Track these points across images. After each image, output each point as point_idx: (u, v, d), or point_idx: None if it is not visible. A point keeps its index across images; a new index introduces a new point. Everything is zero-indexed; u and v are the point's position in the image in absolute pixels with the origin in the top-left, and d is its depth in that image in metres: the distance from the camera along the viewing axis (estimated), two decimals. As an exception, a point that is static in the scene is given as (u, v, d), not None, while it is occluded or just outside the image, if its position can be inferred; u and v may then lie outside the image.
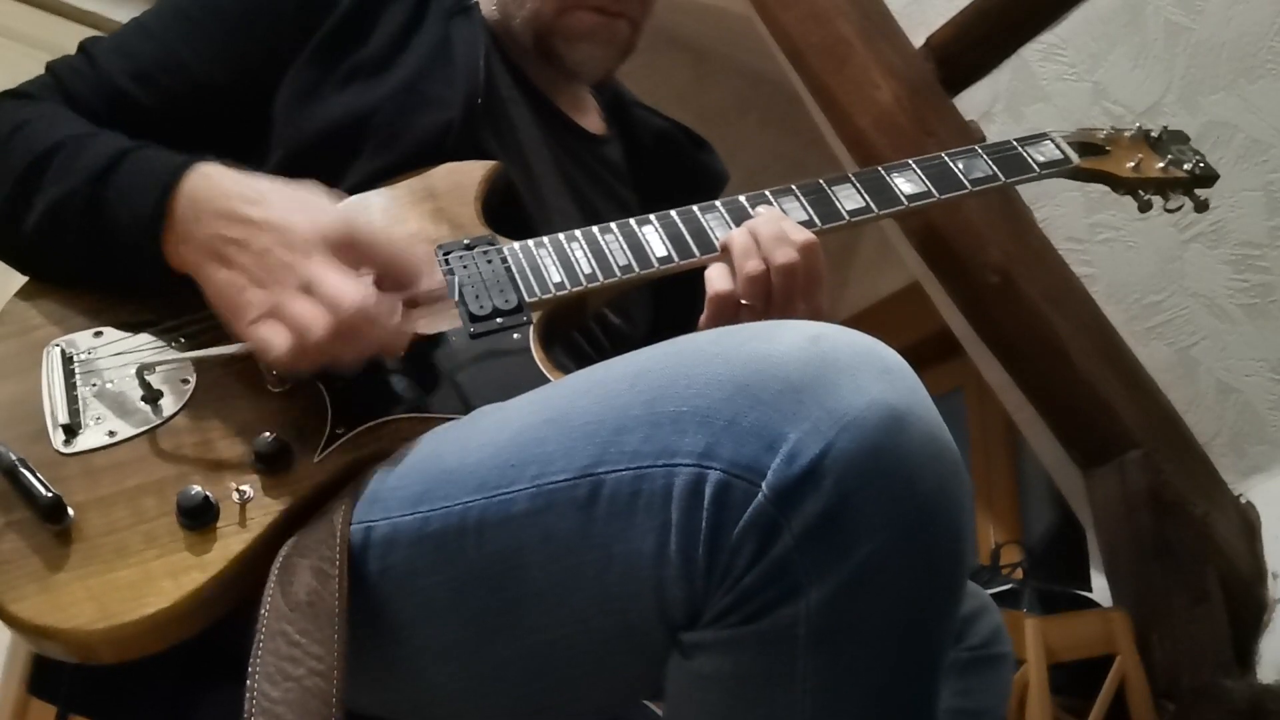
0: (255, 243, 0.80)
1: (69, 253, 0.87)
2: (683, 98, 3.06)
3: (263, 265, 0.79)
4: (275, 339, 0.77)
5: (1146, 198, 1.24)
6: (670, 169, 1.25)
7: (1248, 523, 2.02)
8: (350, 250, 0.80)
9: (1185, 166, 1.24)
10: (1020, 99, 2.04)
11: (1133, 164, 1.21)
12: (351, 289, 0.77)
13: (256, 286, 0.79)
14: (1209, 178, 1.25)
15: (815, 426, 0.59)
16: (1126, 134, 1.25)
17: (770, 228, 0.95)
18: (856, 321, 3.18)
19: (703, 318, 0.96)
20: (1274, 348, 1.92)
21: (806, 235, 0.96)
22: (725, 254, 0.96)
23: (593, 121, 1.23)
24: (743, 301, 0.94)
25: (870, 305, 3.29)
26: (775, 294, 0.94)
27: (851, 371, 0.61)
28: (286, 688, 0.66)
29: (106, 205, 0.85)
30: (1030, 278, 2.03)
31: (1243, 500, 2.05)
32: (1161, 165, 1.23)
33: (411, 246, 0.86)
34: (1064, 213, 2.05)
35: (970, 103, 2.10)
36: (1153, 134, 1.26)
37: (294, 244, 0.79)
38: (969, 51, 2.06)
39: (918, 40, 2.12)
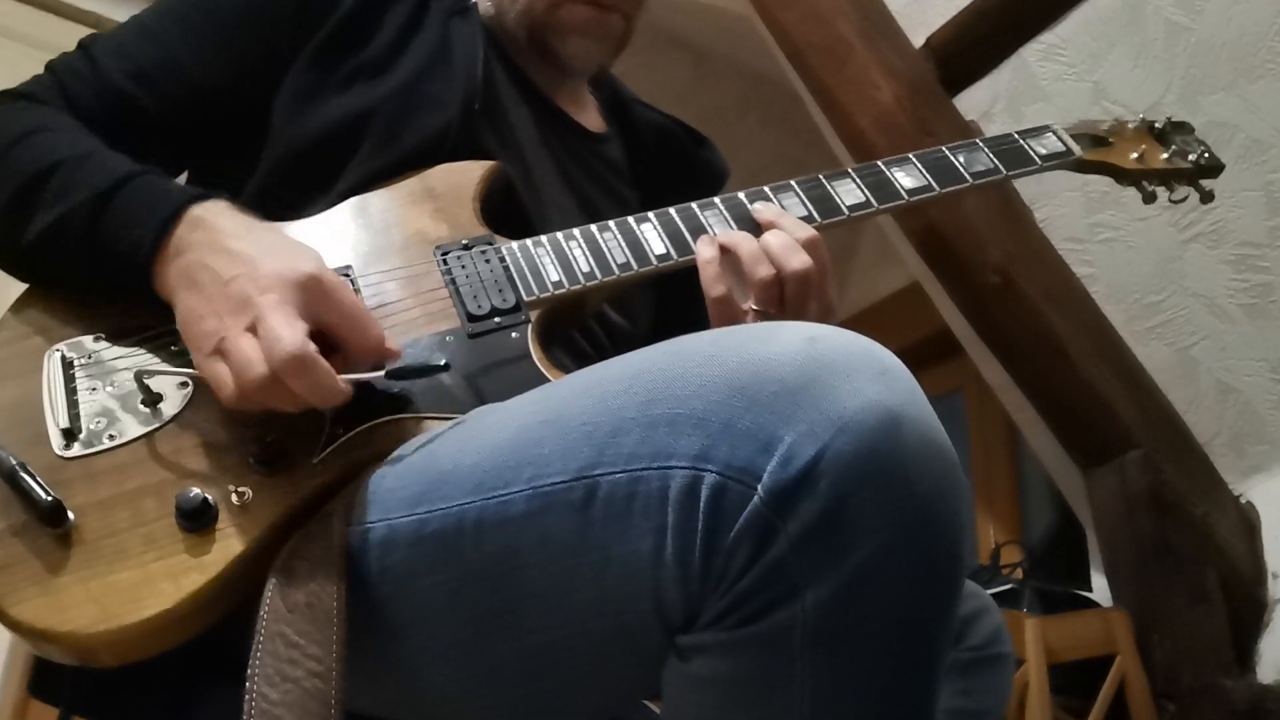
0: (226, 271, 0.79)
1: (65, 266, 0.88)
2: (683, 98, 3.06)
3: (225, 294, 0.78)
4: (222, 378, 0.77)
5: (1151, 189, 1.22)
6: (670, 166, 1.25)
7: (1248, 523, 2.02)
8: (314, 295, 0.79)
9: (1190, 157, 1.22)
10: (1020, 99, 2.04)
11: (1136, 155, 1.20)
12: (290, 333, 0.75)
13: (213, 316, 0.78)
14: (1214, 168, 1.23)
15: (811, 429, 0.59)
16: (1130, 125, 1.24)
17: (778, 237, 0.94)
18: (856, 321, 3.18)
19: (711, 324, 0.95)
20: (1274, 348, 1.92)
21: (810, 232, 0.96)
22: (726, 255, 0.95)
23: (592, 119, 1.23)
24: (754, 308, 0.93)
25: (870, 305, 3.28)
26: (789, 299, 0.94)
27: (848, 373, 0.61)
28: (285, 689, 0.66)
29: (105, 229, 0.85)
30: (1030, 278, 2.03)
31: (1243, 500, 2.04)
32: (1166, 156, 1.22)
33: (378, 320, 0.84)
34: (1064, 213, 2.05)
35: (970, 103, 2.10)
36: (1156, 125, 1.25)
37: (258, 279, 0.78)
38: (969, 51, 2.06)
39: (918, 40, 2.12)
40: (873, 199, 1.04)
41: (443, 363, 0.83)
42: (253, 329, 0.76)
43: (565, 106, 1.19)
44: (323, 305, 0.79)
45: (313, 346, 0.76)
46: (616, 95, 1.28)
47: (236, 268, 0.79)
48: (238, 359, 0.76)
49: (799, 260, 0.93)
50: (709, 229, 0.99)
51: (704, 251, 0.95)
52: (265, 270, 0.79)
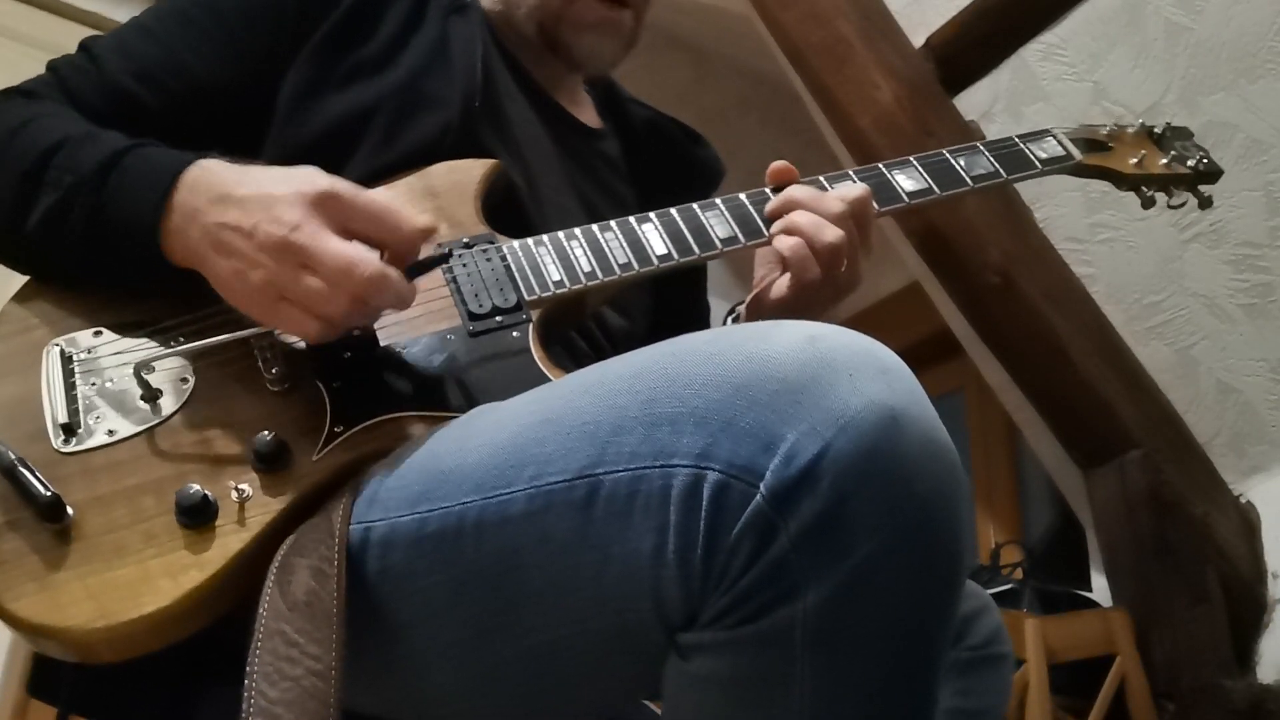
0: (245, 222, 0.80)
1: (71, 252, 0.87)
2: (683, 98, 3.06)
3: (257, 244, 0.79)
4: (298, 321, 0.79)
5: (1149, 194, 1.22)
6: (666, 163, 1.25)
7: (1248, 523, 2.02)
8: (334, 209, 0.80)
9: (1189, 163, 1.22)
10: (1020, 99, 2.04)
11: (1136, 160, 1.20)
12: (355, 253, 0.78)
13: (257, 269, 0.79)
14: (1213, 173, 1.23)
15: (813, 427, 0.58)
16: (1129, 130, 1.24)
17: (826, 204, 0.98)
18: (856, 321, 3.16)
19: (779, 298, 1.00)
20: (1274, 348, 1.92)
21: (848, 194, 1.00)
22: (793, 233, 0.98)
23: (589, 116, 1.23)
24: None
25: (870, 305, 3.28)
26: (852, 245, 1.00)
27: (849, 372, 0.61)
28: (284, 687, 0.65)
29: (107, 203, 0.85)
30: (1030, 278, 2.03)
31: (1243, 500, 2.05)
32: (1165, 161, 1.22)
33: (393, 202, 0.85)
34: (1064, 213, 2.05)
35: (970, 103, 2.10)
36: (1156, 130, 1.25)
37: (281, 218, 0.79)
38: (969, 51, 2.06)
39: (918, 40, 2.12)
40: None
41: (447, 251, 0.88)
42: (306, 266, 0.78)
43: (564, 103, 1.19)
44: (348, 214, 0.81)
45: (378, 258, 0.79)
46: (611, 93, 1.28)
47: (253, 214, 0.80)
48: (311, 299, 0.78)
49: (854, 190, 1.00)
50: (710, 229, 0.99)
51: (787, 241, 0.98)
52: (280, 204, 0.80)
